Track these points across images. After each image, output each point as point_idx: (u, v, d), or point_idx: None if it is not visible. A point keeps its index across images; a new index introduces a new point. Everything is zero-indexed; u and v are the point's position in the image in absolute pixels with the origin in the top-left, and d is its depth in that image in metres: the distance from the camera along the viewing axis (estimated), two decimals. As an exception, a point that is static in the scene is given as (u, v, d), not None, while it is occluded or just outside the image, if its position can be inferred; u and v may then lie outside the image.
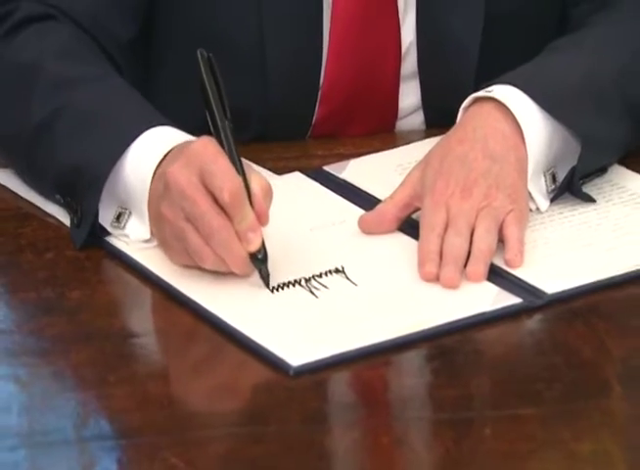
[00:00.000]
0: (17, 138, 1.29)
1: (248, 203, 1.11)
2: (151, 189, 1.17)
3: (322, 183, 1.29)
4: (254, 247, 1.10)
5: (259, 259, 1.11)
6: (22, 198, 1.29)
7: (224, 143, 1.13)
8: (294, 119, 1.42)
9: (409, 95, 1.44)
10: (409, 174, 1.22)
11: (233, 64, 1.38)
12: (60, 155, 1.24)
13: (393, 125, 1.45)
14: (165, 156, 1.17)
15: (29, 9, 1.34)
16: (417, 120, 1.46)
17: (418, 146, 1.32)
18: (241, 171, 1.11)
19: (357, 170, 1.31)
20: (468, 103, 1.26)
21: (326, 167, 1.32)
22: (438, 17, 1.42)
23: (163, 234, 1.16)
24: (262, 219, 1.11)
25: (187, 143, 1.16)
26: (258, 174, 1.14)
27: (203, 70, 1.14)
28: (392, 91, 1.42)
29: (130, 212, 1.20)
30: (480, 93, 1.25)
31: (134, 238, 1.19)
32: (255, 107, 1.40)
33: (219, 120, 1.13)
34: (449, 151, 1.21)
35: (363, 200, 1.25)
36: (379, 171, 1.30)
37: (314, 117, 1.42)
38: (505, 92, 1.23)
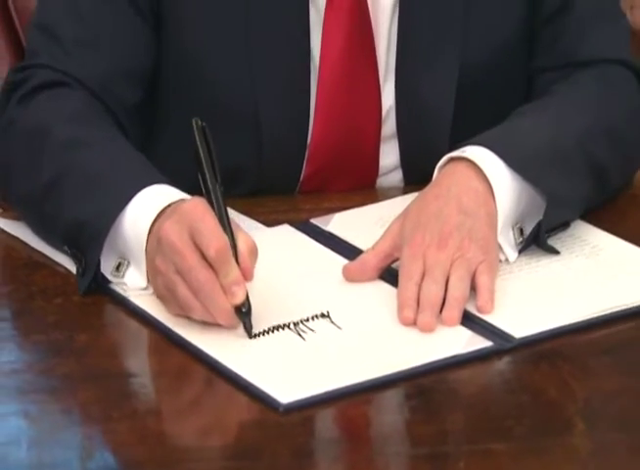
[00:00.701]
0: (29, 195, 1.30)
1: (233, 259, 1.10)
2: (147, 243, 1.16)
3: (309, 235, 1.28)
4: (238, 300, 1.09)
5: (243, 313, 1.10)
6: (33, 248, 1.27)
7: (214, 204, 1.13)
8: (284, 176, 1.42)
9: (389, 154, 1.44)
10: (389, 227, 1.21)
11: (229, 125, 1.39)
12: (66, 211, 1.23)
13: (375, 182, 1.45)
14: (161, 213, 1.16)
15: (44, 76, 1.35)
16: (396, 178, 1.45)
17: (397, 201, 1.32)
18: (228, 230, 1.11)
19: (342, 223, 1.30)
20: (443, 162, 1.25)
21: (313, 220, 1.31)
22: (415, 84, 1.42)
23: (158, 285, 1.15)
24: (247, 275, 1.11)
25: (180, 201, 1.16)
26: (245, 234, 1.14)
27: (197, 137, 1.14)
28: (373, 151, 1.42)
29: (129, 263, 1.20)
30: (455, 153, 1.24)
31: (132, 286, 1.18)
32: (250, 164, 1.40)
33: (210, 184, 1.13)
34: (426, 206, 1.20)
35: (347, 250, 1.24)
36: (361, 224, 1.30)
37: (302, 174, 1.42)
38: (477, 153, 1.23)
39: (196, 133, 1.16)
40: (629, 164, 1.38)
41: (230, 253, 1.10)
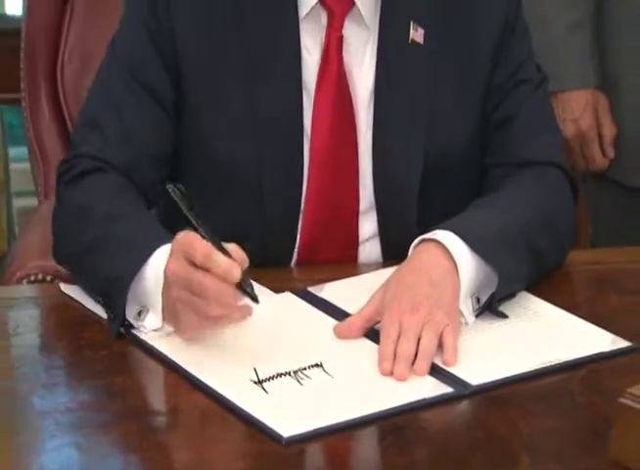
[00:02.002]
0: (73, 256, 1.32)
1: (218, 252, 1.10)
2: (162, 290, 1.18)
3: (306, 300, 1.28)
4: (236, 276, 1.09)
5: (246, 286, 1.10)
6: (86, 308, 1.28)
7: (200, 231, 1.13)
8: (281, 249, 1.42)
9: (367, 226, 1.43)
10: (373, 296, 1.21)
11: (236, 193, 1.40)
12: (100, 268, 1.25)
13: (356, 251, 1.43)
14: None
15: (86, 164, 1.37)
16: (375, 247, 1.43)
17: (379, 273, 1.31)
18: (217, 244, 1.11)
19: (332, 291, 1.30)
20: (417, 242, 1.25)
21: (309, 288, 1.30)
22: (389, 163, 1.41)
23: (175, 313, 1.16)
24: (240, 262, 1.11)
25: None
26: (235, 246, 1.14)
27: (176, 198, 1.16)
28: (353, 223, 1.41)
29: (148, 310, 1.20)
30: (427, 235, 1.25)
31: (149, 327, 1.19)
32: (254, 233, 1.39)
33: (194, 221, 1.14)
34: (402, 279, 1.21)
35: (337, 313, 1.24)
36: (349, 292, 1.29)
37: (297, 243, 1.41)
38: (445, 236, 1.24)
39: (174, 196, 1.17)
40: (562, 249, 1.38)
41: (214, 249, 1.10)
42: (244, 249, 1.14)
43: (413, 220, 1.40)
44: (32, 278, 1.51)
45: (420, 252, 1.25)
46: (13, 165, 2.84)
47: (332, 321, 1.23)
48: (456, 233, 1.25)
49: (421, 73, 1.41)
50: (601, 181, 1.86)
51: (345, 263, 1.41)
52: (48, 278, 1.51)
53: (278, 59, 1.38)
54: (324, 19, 1.38)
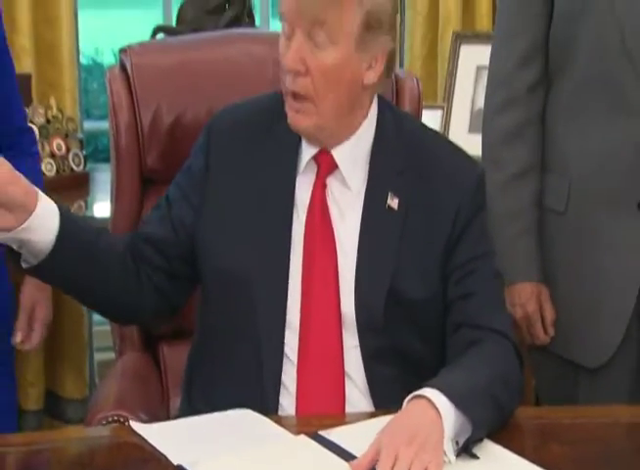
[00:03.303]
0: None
1: None
2: None
3: (318, 442, 1.29)
4: None
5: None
6: (149, 444, 1.28)
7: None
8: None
9: (353, 361, 1.42)
10: (374, 441, 1.23)
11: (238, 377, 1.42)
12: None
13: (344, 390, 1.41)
14: None
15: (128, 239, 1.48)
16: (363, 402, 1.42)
17: (381, 419, 1.31)
18: None
19: (340, 435, 1.31)
20: (409, 398, 1.28)
21: (320, 432, 1.30)
22: (369, 298, 1.40)
23: None
24: None
25: None
26: None
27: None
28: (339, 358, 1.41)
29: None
30: (417, 392, 1.28)
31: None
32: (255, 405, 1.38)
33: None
34: (397, 426, 1.25)
35: (344, 454, 1.25)
36: (355, 435, 1.30)
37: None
38: (432, 393, 1.27)
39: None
40: (514, 402, 1.39)
41: None
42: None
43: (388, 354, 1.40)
44: (110, 419, 1.50)
45: (412, 404, 1.27)
46: (95, 328, 2.89)
47: (339, 460, 1.23)
48: (440, 391, 1.27)
49: (393, 233, 1.42)
50: (543, 352, 1.88)
51: (340, 418, 1.37)
52: (121, 419, 1.50)
53: (276, 207, 1.42)
54: (314, 172, 1.43)
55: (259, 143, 1.46)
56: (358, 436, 1.29)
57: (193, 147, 1.53)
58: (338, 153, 1.44)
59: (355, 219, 1.44)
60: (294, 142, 1.45)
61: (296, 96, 1.38)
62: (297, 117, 1.39)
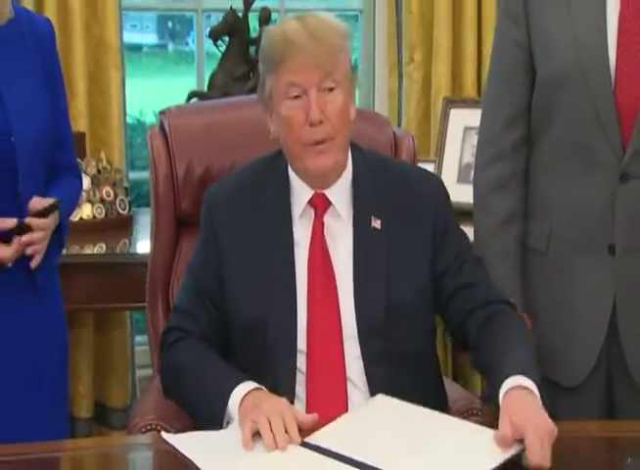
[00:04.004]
0: (180, 400, 1.47)
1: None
2: (239, 411, 1.32)
3: (309, 448, 1.28)
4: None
5: None
6: (184, 456, 1.32)
7: None
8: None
9: (353, 363, 1.46)
10: (503, 423, 1.26)
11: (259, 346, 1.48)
12: (199, 407, 1.40)
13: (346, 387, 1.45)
14: (245, 395, 1.34)
15: (176, 335, 1.52)
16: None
17: (342, 419, 1.32)
18: None
19: (323, 438, 1.28)
20: (512, 387, 1.32)
21: (305, 439, 1.28)
22: (370, 308, 1.45)
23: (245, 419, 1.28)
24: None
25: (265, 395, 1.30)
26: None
27: None
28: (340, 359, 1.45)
29: (231, 419, 1.36)
30: (519, 383, 1.32)
31: (232, 426, 1.32)
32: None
33: None
34: (520, 406, 1.29)
35: (338, 457, 1.25)
36: (339, 436, 1.29)
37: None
38: (527, 382, 1.33)
39: None
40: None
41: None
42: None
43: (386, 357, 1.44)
44: (148, 427, 1.53)
45: (522, 394, 1.31)
46: (137, 348, 2.97)
47: (339, 464, 1.24)
48: (528, 377, 1.33)
49: (380, 250, 1.47)
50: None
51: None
52: (158, 427, 1.53)
53: (277, 250, 1.47)
54: (311, 214, 1.48)
55: (254, 206, 1.51)
56: (337, 436, 1.30)
57: (200, 221, 1.59)
58: (330, 191, 1.49)
59: (348, 243, 1.49)
60: (285, 195, 1.50)
61: (318, 142, 1.43)
62: (321, 159, 1.43)
